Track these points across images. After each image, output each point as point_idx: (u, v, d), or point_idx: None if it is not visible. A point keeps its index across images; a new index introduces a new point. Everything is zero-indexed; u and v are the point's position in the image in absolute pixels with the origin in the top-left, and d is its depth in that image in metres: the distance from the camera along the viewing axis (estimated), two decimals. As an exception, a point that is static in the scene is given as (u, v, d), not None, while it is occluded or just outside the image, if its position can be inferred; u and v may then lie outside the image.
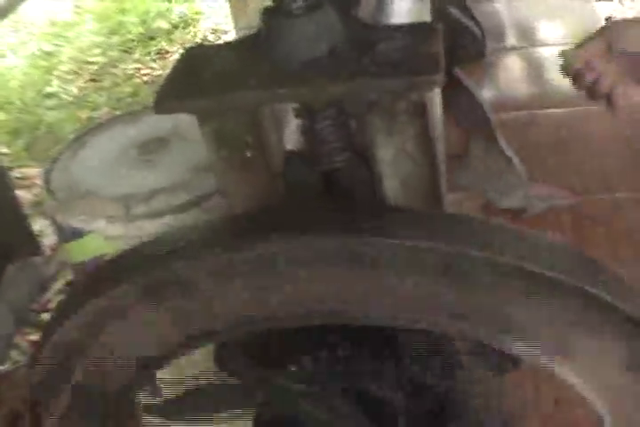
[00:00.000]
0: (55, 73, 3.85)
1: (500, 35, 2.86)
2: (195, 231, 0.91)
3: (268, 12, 0.86)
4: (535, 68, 2.69)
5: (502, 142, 1.89)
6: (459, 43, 1.73)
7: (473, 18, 2.47)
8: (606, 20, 3.55)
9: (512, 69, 2.70)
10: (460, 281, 0.82)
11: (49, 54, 3.99)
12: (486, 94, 2.48)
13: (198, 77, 0.88)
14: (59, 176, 1.51)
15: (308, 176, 0.94)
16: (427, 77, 0.78)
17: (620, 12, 3.70)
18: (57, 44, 4.06)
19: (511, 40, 2.84)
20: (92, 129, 1.63)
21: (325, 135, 0.91)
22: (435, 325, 0.85)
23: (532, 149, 2.18)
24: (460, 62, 1.78)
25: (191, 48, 0.93)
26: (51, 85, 3.76)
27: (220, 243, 0.84)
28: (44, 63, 3.93)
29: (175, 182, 1.38)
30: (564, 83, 2.49)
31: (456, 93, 1.81)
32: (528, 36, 2.84)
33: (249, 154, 0.92)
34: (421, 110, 0.86)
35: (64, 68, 3.87)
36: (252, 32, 0.90)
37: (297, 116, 0.92)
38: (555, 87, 2.48)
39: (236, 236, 0.85)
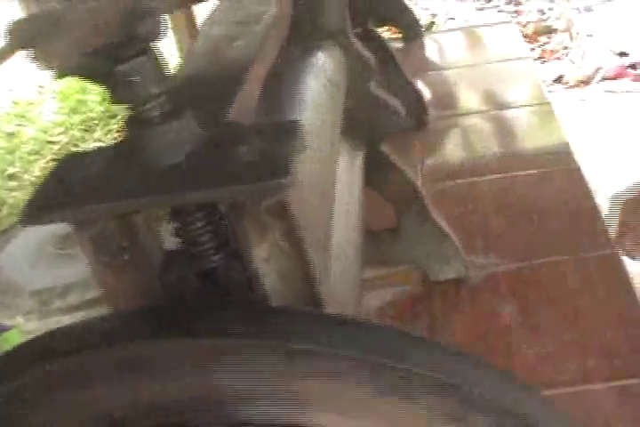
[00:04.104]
0: (17, 154, 3.87)
1: (448, 102, 2.92)
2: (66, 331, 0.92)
3: (129, 121, 0.88)
4: (480, 134, 2.72)
5: (434, 214, 1.90)
6: (378, 118, 1.75)
7: (407, 89, 2.52)
8: (556, 79, 3.62)
9: (455, 136, 2.73)
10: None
11: (11, 135, 4.02)
12: (428, 162, 2.51)
13: (68, 186, 0.89)
14: (-17, 271, 1.52)
15: (185, 277, 0.94)
16: (275, 182, 0.79)
17: (571, 71, 3.77)
18: (19, 124, 4.09)
19: (462, 106, 2.88)
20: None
21: (198, 237, 0.92)
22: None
23: (472, 216, 2.20)
24: (385, 136, 1.80)
25: (63, 156, 0.94)
26: (13, 166, 3.78)
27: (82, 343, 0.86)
28: (5, 144, 3.95)
29: (90, 277, 1.38)
30: (505, 147, 2.55)
31: (383, 169, 1.83)
32: (480, 102, 2.88)
33: (126, 257, 0.93)
34: (283, 210, 0.87)
35: (26, 148, 3.90)
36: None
37: (169, 219, 0.93)
38: (495, 152, 2.52)
39: (98, 337, 0.86)
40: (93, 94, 4.16)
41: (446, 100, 2.98)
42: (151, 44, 0.83)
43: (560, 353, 1.77)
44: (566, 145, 2.40)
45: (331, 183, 1.32)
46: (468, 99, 2.96)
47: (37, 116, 4.09)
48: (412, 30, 3.21)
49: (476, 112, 2.85)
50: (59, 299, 1.37)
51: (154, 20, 0.76)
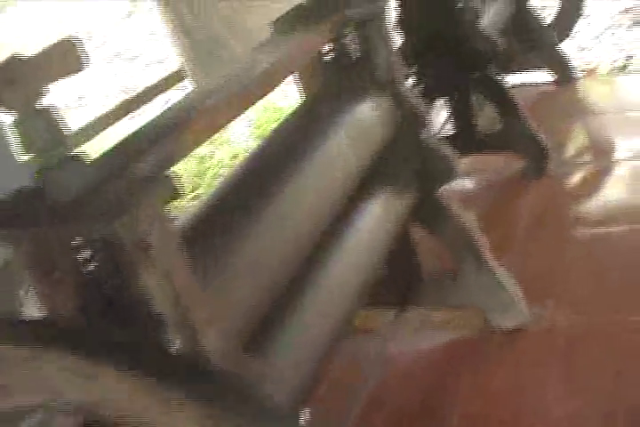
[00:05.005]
0: (206, 177, 4.18)
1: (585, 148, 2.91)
2: None
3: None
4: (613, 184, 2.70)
5: (492, 261, 1.93)
6: (429, 167, 1.82)
7: (527, 136, 2.54)
8: None
9: (583, 185, 2.71)
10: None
11: (203, 158, 4.34)
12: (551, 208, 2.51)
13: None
14: None
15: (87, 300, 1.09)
16: (109, 224, 0.93)
17: None
18: (212, 150, 4.41)
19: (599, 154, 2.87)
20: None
21: (89, 266, 1.07)
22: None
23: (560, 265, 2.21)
24: (439, 184, 1.86)
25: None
26: (199, 189, 4.09)
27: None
28: (196, 167, 4.28)
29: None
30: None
31: (438, 217, 1.89)
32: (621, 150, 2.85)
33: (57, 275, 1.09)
34: (146, 248, 1.00)
35: (213, 171, 4.20)
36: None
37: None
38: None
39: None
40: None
41: (585, 146, 2.97)
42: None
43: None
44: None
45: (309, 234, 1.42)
46: (609, 146, 2.92)
47: (228, 141, 4.38)
48: (565, 74, 3.19)
49: (612, 161, 2.81)
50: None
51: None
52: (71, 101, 5.61)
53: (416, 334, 2.03)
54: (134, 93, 3.35)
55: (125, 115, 3.06)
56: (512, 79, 3.21)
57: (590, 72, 4.64)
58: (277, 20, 1.74)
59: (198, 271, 1.15)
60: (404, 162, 1.81)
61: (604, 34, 4.95)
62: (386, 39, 1.78)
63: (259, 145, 1.61)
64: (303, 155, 1.53)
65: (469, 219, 1.92)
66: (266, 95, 1.48)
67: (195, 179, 4.18)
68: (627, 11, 5.14)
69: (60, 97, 5.64)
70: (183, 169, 4.25)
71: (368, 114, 1.72)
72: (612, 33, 4.92)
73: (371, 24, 1.76)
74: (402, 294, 2.01)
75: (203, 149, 4.42)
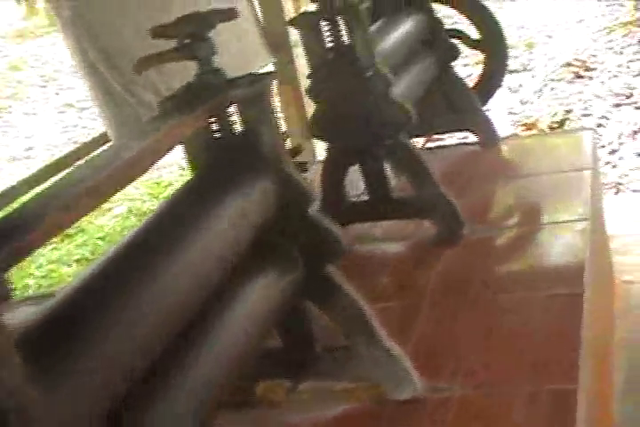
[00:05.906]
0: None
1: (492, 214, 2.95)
2: None
3: None
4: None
5: (383, 335, 1.95)
6: (317, 243, 1.84)
7: (440, 203, 2.57)
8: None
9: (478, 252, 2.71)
10: None
11: (144, 215, 4.35)
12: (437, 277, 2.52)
13: None
14: None
15: None
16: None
17: None
18: (153, 205, 4.43)
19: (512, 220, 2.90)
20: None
21: None
22: None
23: (460, 334, 2.22)
24: (326, 260, 1.88)
25: None
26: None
27: None
28: (138, 223, 4.29)
29: None
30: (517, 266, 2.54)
31: (327, 292, 1.91)
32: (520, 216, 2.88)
33: None
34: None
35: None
36: None
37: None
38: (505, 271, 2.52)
39: None
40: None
41: (509, 210, 3.00)
42: None
43: None
44: (580, 267, 2.37)
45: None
46: (534, 210, 2.96)
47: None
48: (489, 136, 3.24)
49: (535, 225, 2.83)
50: None
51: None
52: (19, 153, 5.63)
53: (312, 406, 2.04)
54: (61, 154, 3.37)
55: (53, 175, 3.06)
56: (435, 141, 3.27)
57: (530, 126, 4.73)
58: (162, 100, 1.77)
59: (43, 369, 1.16)
60: (289, 240, 1.83)
61: (545, 87, 5.05)
62: (271, 117, 1.81)
63: (135, 230, 1.63)
64: (181, 235, 1.56)
65: (358, 294, 1.94)
66: (133, 181, 1.50)
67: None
68: (568, 64, 5.24)
69: (7, 149, 5.66)
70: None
71: (253, 192, 1.74)
72: (552, 87, 5.01)
73: (255, 103, 1.79)
74: (298, 367, 2.02)
75: (144, 206, 4.45)
